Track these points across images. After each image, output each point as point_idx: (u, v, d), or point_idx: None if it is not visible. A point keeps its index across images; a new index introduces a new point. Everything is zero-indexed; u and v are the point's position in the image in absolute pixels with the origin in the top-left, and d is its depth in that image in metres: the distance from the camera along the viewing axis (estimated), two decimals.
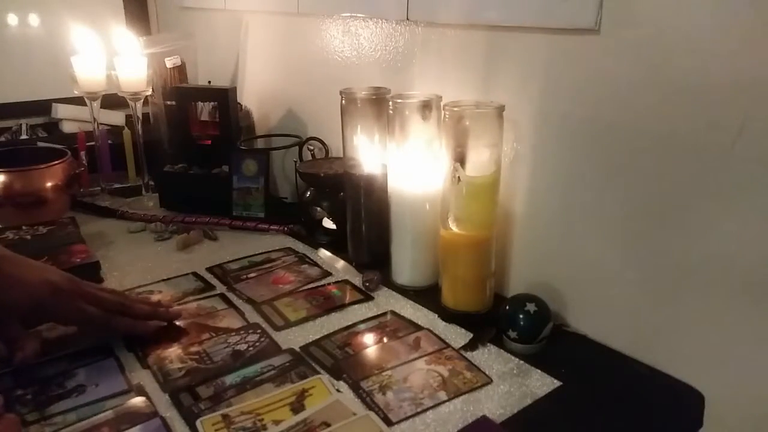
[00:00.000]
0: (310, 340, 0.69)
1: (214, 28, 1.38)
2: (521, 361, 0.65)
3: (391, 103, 0.75)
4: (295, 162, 1.05)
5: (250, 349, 0.68)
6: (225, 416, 0.56)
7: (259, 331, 0.71)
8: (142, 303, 0.73)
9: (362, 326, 0.72)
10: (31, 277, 0.63)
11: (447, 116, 0.69)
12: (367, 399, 0.59)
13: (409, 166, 0.77)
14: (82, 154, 1.20)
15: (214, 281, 0.84)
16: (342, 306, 0.77)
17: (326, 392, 0.59)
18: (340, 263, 0.89)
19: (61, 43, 1.20)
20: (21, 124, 1.45)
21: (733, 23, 0.55)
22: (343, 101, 0.83)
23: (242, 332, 0.71)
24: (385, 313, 0.75)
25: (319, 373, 0.63)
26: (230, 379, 0.62)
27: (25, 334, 0.64)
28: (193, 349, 0.68)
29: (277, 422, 0.55)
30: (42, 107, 1.48)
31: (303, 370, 0.63)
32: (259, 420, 0.55)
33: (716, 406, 0.62)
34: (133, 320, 0.69)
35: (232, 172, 1.05)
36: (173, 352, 0.67)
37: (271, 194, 1.09)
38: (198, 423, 0.55)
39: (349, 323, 0.73)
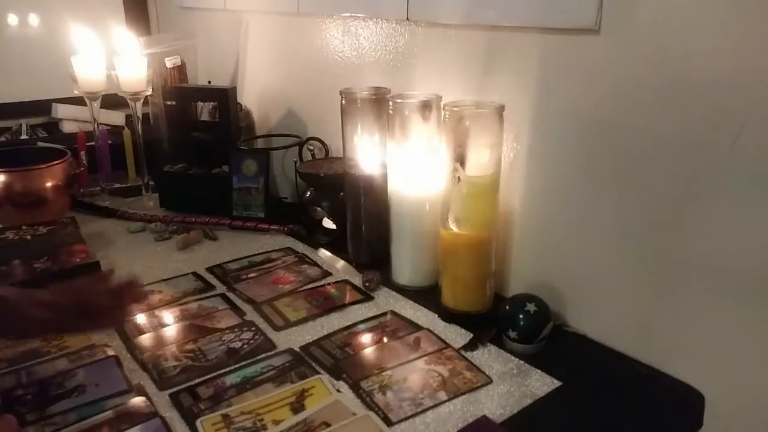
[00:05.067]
0: (310, 340, 0.69)
1: (214, 28, 1.38)
2: (521, 361, 0.65)
3: (391, 103, 0.75)
4: (295, 162, 1.05)
5: (245, 346, 0.68)
6: (225, 416, 0.56)
7: (253, 328, 0.72)
8: (100, 294, 0.63)
9: (362, 326, 0.72)
10: None
11: (447, 116, 0.69)
12: (367, 399, 0.59)
13: (409, 166, 0.77)
14: (82, 154, 1.20)
15: (214, 281, 0.84)
16: (342, 306, 0.77)
17: (326, 392, 0.59)
18: (340, 263, 0.89)
19: (61, 43, 1.20)
20: (21, 124, 1.45)
21: (734, 23, 0.55)
22: (343, 101, 0.83)
23: (236, 330, 0.71)
24: (385, 313, 0.75)
25: (319, 373, 0.63)
26: (230, 379, 0.62)
27: None
28: (188, 347, 0.68)
29: (277, 422, 0.55)
30: (42, 107, 1.48)
31: (303, 370, 0.63)
32: (259, 420, 0.55)
33: (716, 406, 0.62)
34: (92, 319, 0.61)
35: (232, 172, 1.05)
36: (168, 350, 0.67)
37: (271, 194, 1.09)
38: (198, 423, 0.55)
39: (349, 323, 0.73)
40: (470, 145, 0.68)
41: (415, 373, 0.63)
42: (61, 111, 1.46)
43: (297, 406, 0.57)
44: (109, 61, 1.13)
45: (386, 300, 0.79)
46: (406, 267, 0.82)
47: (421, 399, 0.59)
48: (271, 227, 1.01)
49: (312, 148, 1.08)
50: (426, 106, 0.74)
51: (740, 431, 0.62)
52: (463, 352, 0.67)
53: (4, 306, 0.58)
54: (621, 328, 0.69)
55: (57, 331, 0.64)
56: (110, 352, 0.67)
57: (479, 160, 0.69)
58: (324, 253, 0.93)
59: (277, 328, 0.72)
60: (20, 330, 0.61)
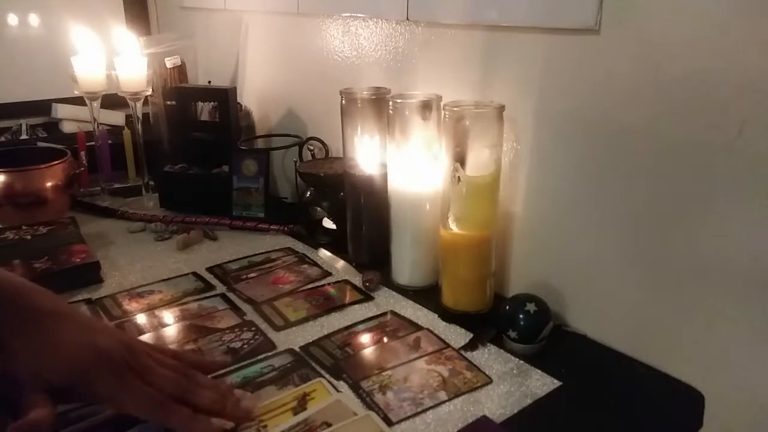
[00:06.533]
0: (310, 340, 0.69)
1: (214, 28, 1.38)
2: (521, 361, 0.65)
3: (391, 103, 0.75)
4: (295, 162, 1.05)
5: (245, 346, 0.68)
6: None
7: (253, 328, 0.72)
8: (209, 386, 0.57)
9: (362, 326, 0.72)
10: (75, 339, 0.51)
11: (447, 116, 0.69)
12: (367, 399, 0.59)
13: (409, 166, 0.77)
14: (82, 154, 1.20)
15: (214, 281, 0.84)
16: (342, 306, 0.77)
17: (328, 396, 0.59)
18: (340, 263, 0.89)
19: (61, 43, 1.20)
20: (21, 124, 1.46)
21: (734, 23, 0.55)
22: (343, 101, 0.83)
23: (237, 330, 0.71)
24: (385, 313, 0.75)
25: (320, 374, 0.63)
26: (231, 379, 0.62)
27: (40, 403, 0.49)
28: (189, 347, 0.68)
29: (278, 425, 0.55)
30: (42, 107, 1.48)
31: (305, 372, 0.63)
32: (262, 427, 0.55)
33: (716, 406, 0.62)
34: (192, 414, 0.53)
35: (232, 172, 1.05)
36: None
37: (271, 194, 1.09)
38: None
39: (349, 323, 0.73)
40: (470, 145, 0.68)
41: (415, 373, 0.63)
42: (61, 111, 1.46)
43: (299, 411, 0.57)
44: (109, 61, 1.13)
45: (386, 300, 0.79)
46: (406, 267, 0.82)
47: (421, 399, 0.59)
48: (271, 227, 1.01)
49: (312, 148, 1.08)
50: (426, 106, 0.74)
51: (740, 431, 0.62)
52: (463, 352, 0.67)
53: (106, 367, 0.50)
54: (621, 328, 0.69)
55: (150, 414, 0.52)
56: None
57: (479, 160, 0.69)
58: (324, 253, 0.93)
59: (277, 328, 0.72)
60: (112, 398, 0.52)
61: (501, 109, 0.69)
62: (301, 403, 0.58)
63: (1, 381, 0.50)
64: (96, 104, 1.16)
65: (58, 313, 0.53)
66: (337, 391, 0.60)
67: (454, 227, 0.72)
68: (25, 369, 0.50)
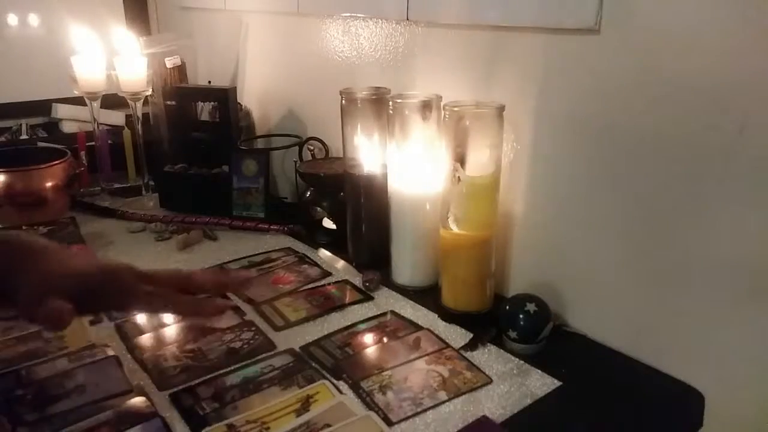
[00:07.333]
0: (310, 340, 0.69)
1: (214, 28, 1.38)
2: (521, 361, 0.65)
3: (391, 103, 0.75)
4: (295, 162, 1.05)
5: (245, 346, 0.68)
6: (230, 426, 0.55)
7: (253, 328, 0.72)
8: (202, 272, 0.63)
9: (362, 326, 0.72)
10: (79, 260, 0.56)
11: (447, 116, 0.69)
12: (367, 399, 0.59)
13: (409, 166, 0.77)
14: (82, 154, 1.20)
15: None
16: (342, 306, 0.77)
17: (331, 398, 0.59)
18: (340, 263, 0.89)
19: (61, 43, 1.20)
20: (21, 124, 1.45)
21: (734, 23, 0.55)
22: (343, 101, 0.83)
23: (237, 330, 0.71)
24: (385, 313, 0.75)
25: (322, 375, 0.62)
26: (231, 379, 0.62)
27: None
28: (189, 347, 0.68)
29: (281, 426, 0.55)
30: (42, 107, 1.48)
31: (310, 374, 0.63)
32: (265, 429, 0.55)
33: (716, 406, 0.62)
34: (195, 301, 0.58)
35: (232, 172, 1.05)
36: (169, 350, 0.67)
37: (271, 194, 1.09)
38: None
39: (349, 323, 0.73)
40: (470, 145, 0.68)
41: (415, 373, 0.63)
42: (61, 111, 1.45)
43: (302, 412, 0.57)
44: (109, 61, 1.13)
45: (386, 300, 0.79)
46: (406, 267, 0.82)
47: (421, 399, 0.59)
48: (271, 227, 1.01)
49: (312, 148, 1.08)
50: (426, 106, 0.74)
51: (740, 431, 0.62)
52: (463, 352, 0.67)
53: (109, 274, 0.55)
54: (621, 328, 0.69)
55: (159, 306, 0.58)
56: (110, 352, 0.67)
57: (479, 160, 0.69)
58: (324, 253, 0.93)
59: (277, 328, 0.72)
60: (123, 301, 0.56)
61: (501, 109, 0.69)
62: (305, 405, 0.58)
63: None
64: (96, 104, 1.16)
65: (57, 247, 0.58)
66: (340, 392, 0.60)
67: (454, 227, 0.72)
68: (40, 287, 0.52)
